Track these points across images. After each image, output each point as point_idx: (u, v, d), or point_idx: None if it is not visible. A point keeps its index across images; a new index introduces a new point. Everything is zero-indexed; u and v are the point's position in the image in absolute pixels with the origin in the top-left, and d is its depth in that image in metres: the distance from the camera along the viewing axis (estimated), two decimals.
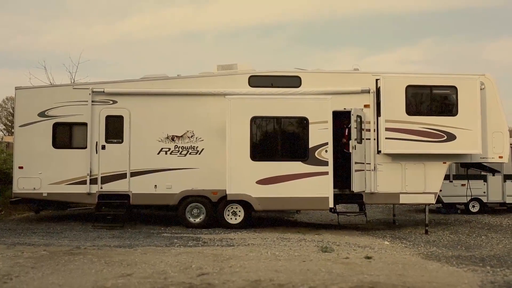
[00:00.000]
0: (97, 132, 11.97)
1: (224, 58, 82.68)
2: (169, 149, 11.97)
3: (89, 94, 12.01)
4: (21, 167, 11.93)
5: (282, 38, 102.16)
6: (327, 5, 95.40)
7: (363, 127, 11.90)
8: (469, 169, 16.39)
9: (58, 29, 73.67)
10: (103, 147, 11.95)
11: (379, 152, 11.75)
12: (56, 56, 60.67)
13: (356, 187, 11.61)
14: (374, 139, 11.87)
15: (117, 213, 12.00)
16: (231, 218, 11.86)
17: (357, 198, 12.05)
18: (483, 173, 16.63)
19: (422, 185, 11.86)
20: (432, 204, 12.38)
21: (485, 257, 8.76)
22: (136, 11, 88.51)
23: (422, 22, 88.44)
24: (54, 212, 14.69)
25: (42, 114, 12.00)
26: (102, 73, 73.60)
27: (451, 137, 11.61)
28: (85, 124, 11.99)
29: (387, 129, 11.59)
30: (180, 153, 11.96)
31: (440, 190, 12.39)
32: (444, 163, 11.97)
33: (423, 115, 11.69)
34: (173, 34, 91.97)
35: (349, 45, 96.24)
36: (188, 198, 11.93)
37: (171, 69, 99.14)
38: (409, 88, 11.73)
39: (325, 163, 11.29)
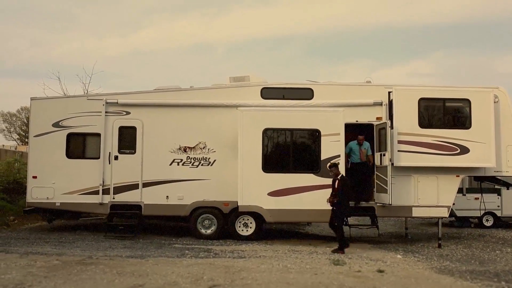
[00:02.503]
0: (110, 142, 12.08)
1: (234, 70, 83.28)
2: (181, 160, 12.02)
3: (103, 105, 12.14)
4: (35, 177, 12.05)
5: (292, 51, 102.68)
6: (337, 18, 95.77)
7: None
8: (483, 182, 16.22)
9: (72, 42, 74.87)
10: (116, 158, 12.04)
11: (391, 164, 11.67)
12: (70, 67, 61.65)
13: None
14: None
15: (129, 224, 12.05)
16: (242, 230, 11.84)
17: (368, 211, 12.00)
18: (497, 186, 16.45)
19: (435, 198, 11.76)
20: (445, 217, 12.25)
21: (500, 272, 8.63)
22: (149, 24, 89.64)
23: (433, 35, 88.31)
24: (67, 222, 14.77)
25: (56, 125, 12.15)
26: (115, 84, 74.71)
27: (464, 150, 11.51)
28: (98, 135, 12.10)
29: (399, 142, 11.53)
30: (192, 164, 12.00)
31: (453, 204, 12.26)
32: (457, 176, 11.86)
33: (436, 128, 11.63)
34: (184, 46, 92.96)
35: (360, 58, 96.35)
36: (200, 209, 11.95)
37: (183, 81, 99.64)
38: (422, 100, 11.68)
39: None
